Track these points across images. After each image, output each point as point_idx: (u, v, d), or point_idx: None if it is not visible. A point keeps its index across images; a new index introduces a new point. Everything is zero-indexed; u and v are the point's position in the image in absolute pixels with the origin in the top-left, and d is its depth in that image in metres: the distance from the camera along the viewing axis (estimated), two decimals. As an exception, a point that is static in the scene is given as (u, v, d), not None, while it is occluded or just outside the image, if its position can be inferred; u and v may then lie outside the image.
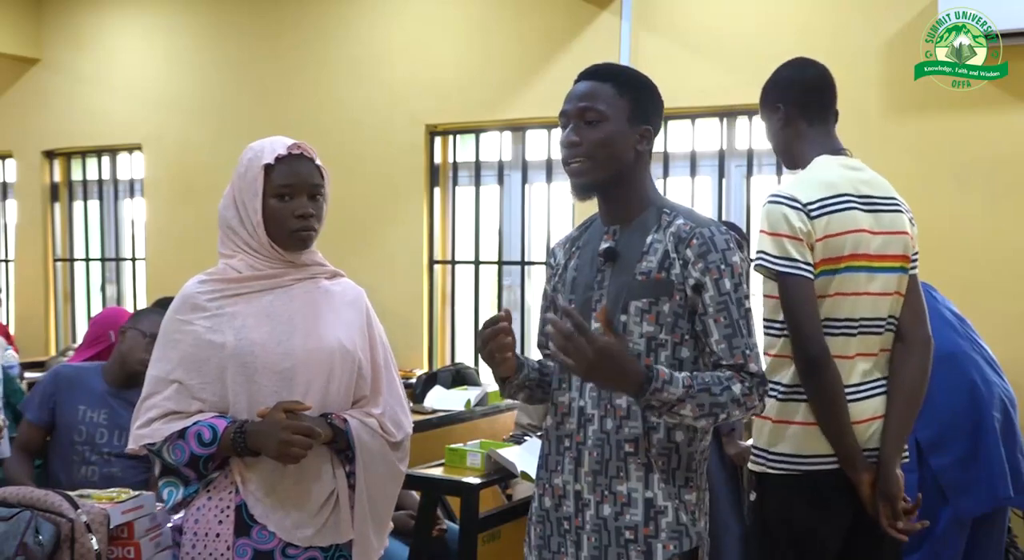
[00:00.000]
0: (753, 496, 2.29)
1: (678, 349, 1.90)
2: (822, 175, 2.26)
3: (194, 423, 2.01)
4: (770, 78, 2.41)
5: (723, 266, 1.87)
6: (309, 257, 2.15)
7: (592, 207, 2.08)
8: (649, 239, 1.93)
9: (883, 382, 2.27)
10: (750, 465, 2.30)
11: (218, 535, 2.02)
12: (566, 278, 2.04)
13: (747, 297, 1.91)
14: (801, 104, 2.34)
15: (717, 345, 1.87)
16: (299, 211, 2.06)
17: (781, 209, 2.19)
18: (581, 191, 1.97)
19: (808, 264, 2.16)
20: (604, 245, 1.97)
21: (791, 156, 2.39)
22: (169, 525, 2.23)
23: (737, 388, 1.84)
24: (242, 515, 2.03)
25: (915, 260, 2.33)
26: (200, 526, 2.03)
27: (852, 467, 2.18)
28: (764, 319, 2.27)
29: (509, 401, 4.27)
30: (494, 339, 1.90)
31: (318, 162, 2.12)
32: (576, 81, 1.99)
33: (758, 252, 2.20)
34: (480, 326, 1.92)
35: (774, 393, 2.24)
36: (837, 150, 2.32)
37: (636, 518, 1.89)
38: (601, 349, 1.72)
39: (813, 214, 2.18)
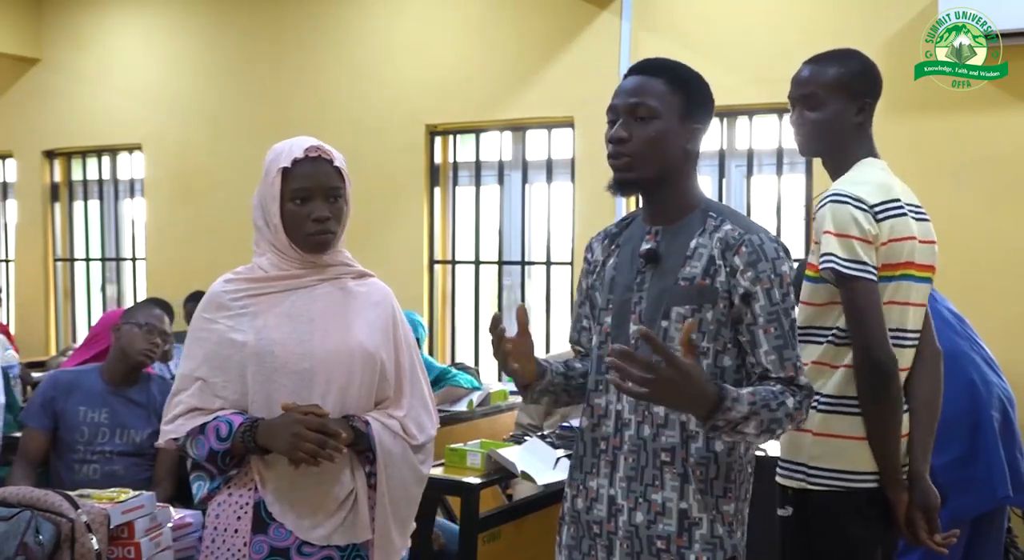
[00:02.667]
0: (787, 512, 2.20)
1: (720, 357, 1.85)
2: (877, 178, 2.19)
3: (213, 418, 2.04)
4: (849, 67, 2.25)
5: (773, 276, 1.81)
6: (334, 258, 2.15)
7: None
8: (693, 243, 1.86)
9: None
10: (780, 479, 2.22)
11: (236, 531, 2.04)
12: (604, 276, 1.97)
13: (793, 308, 1.85)
14: (876, 101, 2.25)
15: (766, 357, 1.80)
16: (315, 214, 2.06)
17: (849, 210, 2.08)
18: (623, 188, 1.90)
19: (875, 268, 2.08)
20: (645, 246, 1.90)
21: (843, 153, 2.26)
22: (166, 522, 2.24)
23: (791, 402, 1.78)
24: (260, 512, 2.05)
25: None
26: (220, 521, 2.07)
27: (896, 485, 2.12)
28: (802, 326, 2.16)
29: (509, 401, 4.28)
30: (499, 348, 1.86)
31: (337, 163, 2.10)
32: (626, 75, 1.92)
33: (826, 254, 2.08)
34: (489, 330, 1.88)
35: (814, 404, 2.13)
36: (876, 154, 2.25)
37: (670, 528, 1.83)
38: (687, 372, 1.64)
39: (879, 217, 2.10)
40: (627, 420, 1.88)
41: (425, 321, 5.50)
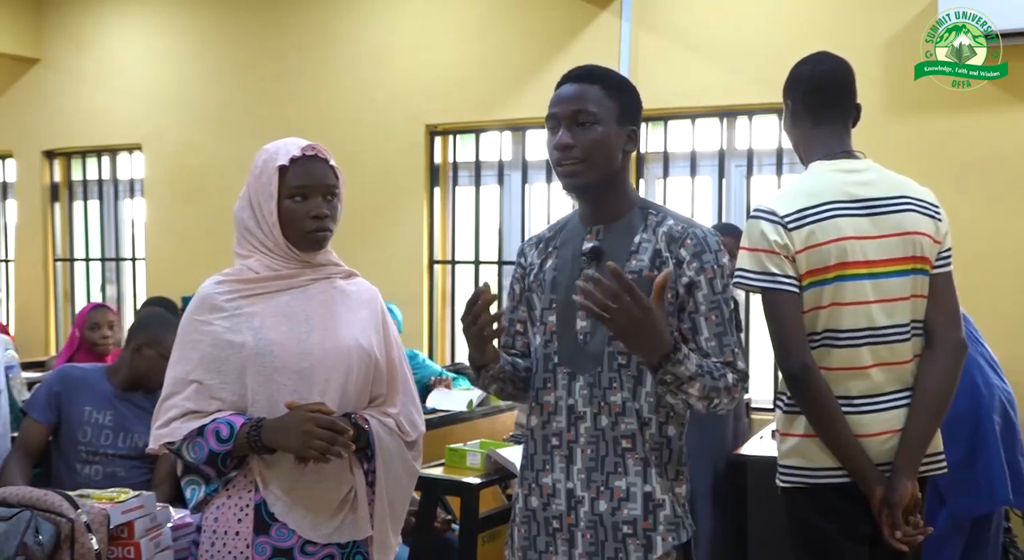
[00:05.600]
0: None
1: None
2: (808, 184, 2.22)
3: (212, 420, 2.02)
4: (790, 72, 2.34)
5: (716, 266, 1.90)
6: (324, 257, 2.16)
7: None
8: (637, 238, 1.94)
9: (907, 393, 2.20)
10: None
11: (237, 533, 2.03)
12: (543, 278, 2.03)
13: (732, 298, 1.94)
14: (806, 101, 2.28)
15: (707, 343, 1.88)
16: (314, 212, 2.07)
17: (759, 224, 2.16)
18: (575, 192, 1.97)
19: (790, 277, 2.13)
20: (588, 244, 1.97)
21: (800, 155, 2.35)
22: (166, 522, 2.23)
23: (730, 377, 1.87)
24: (262, 513, 2.04)
25: (943, 258, 2.24)
26: (219, 525, 2.05)
27: (864, 481, 2.13)
28: None
29: (510, 402, 4.28)
30: (482, 315, 1.87)
31: (332, 163, 2.12)
32: (560, 84, 1.98)
33: (737, 269, 2.16)
34: (466, 303, 1.89)
35: (779, 405, 2.24)
36: (837, 153, 2.25)
37: (635, 512, 1.89)
38: (648, 310, 1.71)
39: (791, 226, 2.14)
40: (581, 413, 1.94)
41: (425, 321, 5.51)
